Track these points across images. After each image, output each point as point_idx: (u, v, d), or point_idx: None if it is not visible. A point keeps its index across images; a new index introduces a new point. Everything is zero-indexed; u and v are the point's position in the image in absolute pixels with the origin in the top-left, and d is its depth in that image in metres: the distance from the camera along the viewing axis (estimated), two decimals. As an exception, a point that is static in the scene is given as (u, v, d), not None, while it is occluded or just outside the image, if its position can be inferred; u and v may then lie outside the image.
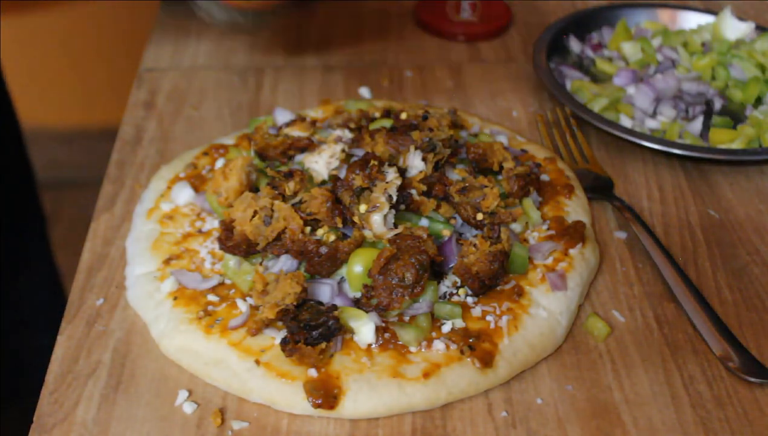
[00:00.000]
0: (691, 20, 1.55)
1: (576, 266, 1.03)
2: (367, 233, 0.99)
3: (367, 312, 0.93)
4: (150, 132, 1.32)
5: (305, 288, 0.92)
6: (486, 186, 1.04)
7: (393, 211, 0.99)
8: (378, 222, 0.98)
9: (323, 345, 0.89)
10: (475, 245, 0.98)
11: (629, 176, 1.24)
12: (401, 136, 1.09)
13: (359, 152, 1.11)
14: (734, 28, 1.48)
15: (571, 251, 1.04)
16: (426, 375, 0.89)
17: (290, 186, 1.03)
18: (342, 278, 0.99)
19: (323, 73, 1.48)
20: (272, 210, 1.00)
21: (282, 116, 1.26)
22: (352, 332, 0.93)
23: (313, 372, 0.89)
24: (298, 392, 0.88)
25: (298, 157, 1.13)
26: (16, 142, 1.87)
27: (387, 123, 1.17)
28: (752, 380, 0.93)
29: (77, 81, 3.06)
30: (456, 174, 1.10)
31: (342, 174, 1.07)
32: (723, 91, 1.39)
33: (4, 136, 1.82)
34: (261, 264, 1.00)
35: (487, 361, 0.91)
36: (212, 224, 1.08)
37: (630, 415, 0.90)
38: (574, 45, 1.51)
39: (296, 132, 1.15)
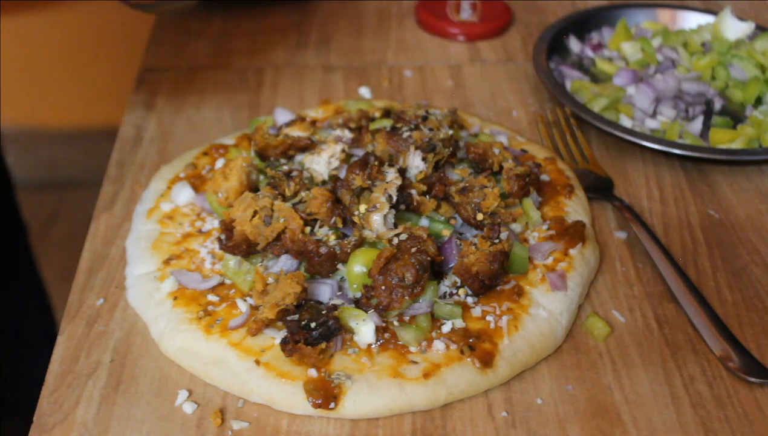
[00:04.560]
0: (691, 20, 1.55)
1: (576, 266, 1.03)
2: (367, 233, 0.99)
3: (367, 312, 0.93)
4: (150, 132, 1.32)
5: (305, 288, 0.92)
6: (486, 186, 1.04)
7: (393, 211, 0.99)
8: (378, 222, 0.98)
9: (323, 345, 0.89)
10: (475, 245, 0.98)
11: (629, 176, 1.24)
12: (401, 136, 1.09)
13: (359, 152, 1.11)
14: (734, 28, 1.48)
15: (571, 251, 1.04)
16: (426, 375, 0.89)
17: (290, 186, 1.03)
18: (342, 278, 0.99)
19: (323, 73, 1.48)
20: (272, 210, 1.00)
21: (282, 116, 1.26)
22: (352, 332, 0.93)
23: (313, 372, 0.89)
24: (298, 392, 0.88)
25: (298, 157, 1.13)
26: None
27: (387, 123, 1.17)
28: (752, 380, 0.93)
29: (77, 81, 3.05)
30: (456, 174, 1.10)
31: (342, 174, 1.07)
32: (723, 91, 1.39)
33: None
34: (261, 264, 1.00)
35: (487, 361, 0.91)
36: (212, 223, 1.08)
37: (630, 415, 0.90)
38: (574, 45, 1.51)
39: (296, 132, 1.15)
